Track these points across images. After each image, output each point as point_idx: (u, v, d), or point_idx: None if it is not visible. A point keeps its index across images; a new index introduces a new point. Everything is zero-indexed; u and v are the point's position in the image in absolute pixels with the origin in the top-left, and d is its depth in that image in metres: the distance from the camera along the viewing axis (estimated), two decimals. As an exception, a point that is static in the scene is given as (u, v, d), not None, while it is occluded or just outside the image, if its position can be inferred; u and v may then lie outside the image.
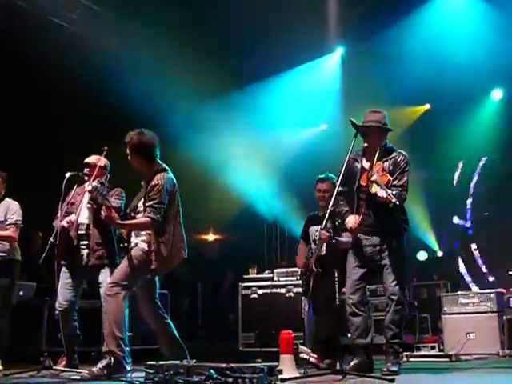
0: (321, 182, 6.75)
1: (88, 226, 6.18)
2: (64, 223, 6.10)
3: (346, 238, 6.19)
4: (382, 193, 5.32)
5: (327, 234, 6.03)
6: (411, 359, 7.68)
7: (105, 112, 10.66)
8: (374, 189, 5.41)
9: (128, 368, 5.38)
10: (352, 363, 5.52)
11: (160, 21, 10.36)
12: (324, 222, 5.22)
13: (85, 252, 6.13)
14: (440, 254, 12.84)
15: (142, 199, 5.68)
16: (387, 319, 5.67)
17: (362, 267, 5.71)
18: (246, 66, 11.93)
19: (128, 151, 5.70)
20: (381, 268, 5.68)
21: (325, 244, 6.33)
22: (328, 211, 5.12)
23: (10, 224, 6.87)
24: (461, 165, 12.51)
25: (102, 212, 5.52)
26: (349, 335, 5.91)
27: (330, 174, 6.72)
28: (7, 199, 7.04)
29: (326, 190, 6.62)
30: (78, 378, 5.42)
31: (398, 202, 5.25)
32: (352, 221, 5.61)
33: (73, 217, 6.20)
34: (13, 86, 9.63)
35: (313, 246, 6.70)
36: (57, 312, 6.08)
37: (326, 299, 6.14)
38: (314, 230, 6.74)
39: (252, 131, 11.96)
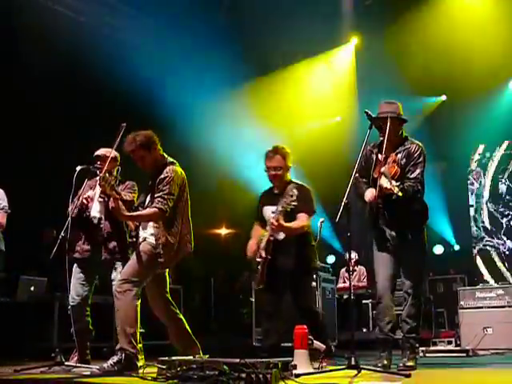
0: (268, 160, 5.95)
1: (99, 220, 6.16)
2: (83, 199, 6.08)
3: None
4: (385, 183, 5.26)
5: (277, 223, 5.59)
6: (427, 354, 7.65)
7: (116, 104, 10.66)
8: (382, 180, 5.36)
9: (140, 364, 5.37)
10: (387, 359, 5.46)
11: (173, 11, 10.35)
12: (338, 215, 5.09)
13: (97, 245, 6.11)
14: (457, 247, 12.79)
15: (150, 194, 5.66)
16: (404, 313, 5.63)
17: (389, 261, 5.62)
18: (260, 57, 11.90)
19: (134, 154, 5.61)
20: (400, 262, 5.62)
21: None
22: (342, 204, 5.03)
23: None
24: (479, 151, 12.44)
25: (110, 203, 5.48)
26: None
27: (278, 146, 5.97)
28: None
29: (277, 166, 5.88)
30: (89, 373, 5.41)
31: (401, 194, 5.19)
32: (369, 194, 5.54)
33: (91, 192, 6.18)
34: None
35: (268, 228, 5.87)
36: (69, 307, 6.07)
37: (274, 300, 5.92)
38: (270, 211, 5.90)
39: (266, 123, 11.93)
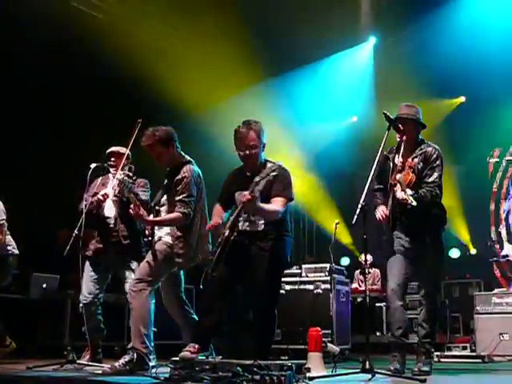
0: (240, 138, 5.18)
1: (116, 220, 6.18)
2: (99, 196, 6.09)
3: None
4: (400, 194, 5.28)
5: (250, 196, 4.80)
6: (442, 359, 7.63)
7: (131, 101, 10.70)
8: (397, 192, 5.37)
9: (151, 364, 5.40)
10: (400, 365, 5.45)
11: (189, 8, 10.37)
12: (355, 217, 5.04)
13: (110, 245, 6.13)
14: (473, 251, 12.75)
15: (166, 193, 5.67)
16: (420, 318, 5.64)
17: (402, 266, 5.61)
18: (277, 55, 11.89)
19: (151, 149, 5.61)
20: (416, 267, 5.61)
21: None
22: (359, 206, 5.02)
23: None
24: (497, 153, 12.38)
25: (131, 211, 5.40)
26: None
27: (250, 120, 5.21)
28: None
29: (251, 145, 5.11)
30: (101, 372, 5.45)
31: (415, 203, 5.18)
32: (380, 212, 5.55)
33: (106, 190, 6.17)
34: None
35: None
36: (81, 305, 6.10)
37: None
38: (238, 194, 5.20)
39: (282, 122, 11.92)
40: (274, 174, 4.89)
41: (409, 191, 5.26)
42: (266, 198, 5.06)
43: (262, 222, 5.15)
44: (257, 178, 4.82)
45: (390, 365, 5.37)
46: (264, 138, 5.23)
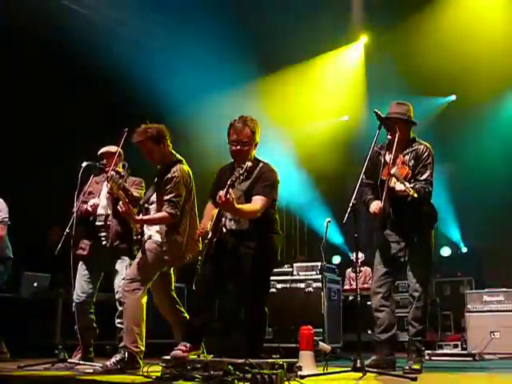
0: (234, 132, 5.15)
1: (106, 217, 6.17)
2: (88, 207, 6.11)
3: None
4: (399, 186, 5.31)
5: (224, 198, 4.66)
6: (433, 358, 7.67)
7: (120, 99, 10.68)
8: (393, 183, 5.39)
9: (141, 363, 5.41)
10: (371, 359, 5.52)
11: (184, 7, 10.38)
12: (346, 215, 5.09)
13: (103, 243, 6.12)
14: (464, 249, 12.79)
15: (156, 191, 5.70)
16: (410, 316, 5.67)
17: (386, 264, 5.70)
18: (266, 54, 11.89)
19: (143, 145, 5.64)
20: (405, 265, 5.68)
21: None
22: (350, 205, 5.04)
23: None
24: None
25: (119, 207, 5.47)
26: (369, 331, 5.88)
27: (247, 117, 5.21)
28: None
29: (244, 141, 5.11)
30: (92, 371, 5.46)
31: (416, 195, 5.22)
32: (374, 206, 5.58)
33: (96, 200, 6.19)
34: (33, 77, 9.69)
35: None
36: (74, 304, 6.10)
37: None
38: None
39: (274, 120, 11.94)
40: (256, 172, 4.92)
41: (408, 184, 5.29)
42: (249, 198, 5.05)
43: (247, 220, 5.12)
44: (233, 178, 4.71)
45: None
46: (257, 137, 5.21)
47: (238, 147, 5.12)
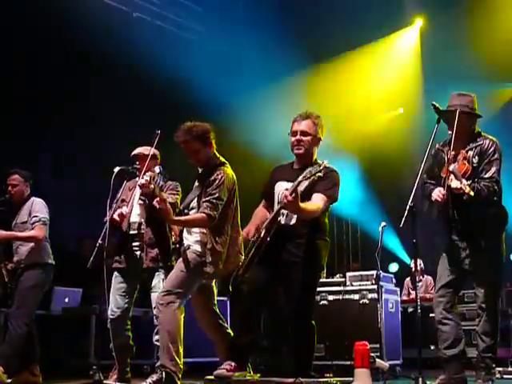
0: (296, 123, 5.43)
1: (140, 225, 6.20)
2: (115, 216, 6.11)
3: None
4: (455, 183, 5.19)
5: (290, 198, 4.80)
6: (505, 376, 7.56)
7: (161, 98, 10.81)
8: (450, 180, 5.29)
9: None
10: (439, 378, 5.46)
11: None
12: (403, 219, 5.06)
13: (137, 254, 6.16)
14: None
15: (197, 196, 5.70)
16: (479, 330, 5.58)
17: (452, 271, 5.61)
18: (315, 44, 11.88)
19: (188, 146, 5.66)
20: (471, 273, 5.59)
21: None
22: (407, 207, 5.00)
23: (34, 223, 7.02)
24: None
25: (155, 203, 5.41)
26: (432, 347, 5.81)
27: (312, 112, 5.48)
28: (33, 198, 7.19)
29: (305, 131, 5.37)
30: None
31: (472, 193, 5.12)
32: (437, 193, 5.43)
33: (124, 209, 6.21)
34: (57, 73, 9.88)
35: (276, 207, 5.34)
36: (108, 320, 6.12)
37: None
38: (281, 187, 5.30)
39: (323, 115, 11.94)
40: (319, 174, 4.95)
41: (464, 181, 5.21)
42: (307, 198, 5.14)
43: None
44: (300, 178, 4.90)
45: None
46: (321, 133, 5.43)
47: (298, 137, 5.36)
